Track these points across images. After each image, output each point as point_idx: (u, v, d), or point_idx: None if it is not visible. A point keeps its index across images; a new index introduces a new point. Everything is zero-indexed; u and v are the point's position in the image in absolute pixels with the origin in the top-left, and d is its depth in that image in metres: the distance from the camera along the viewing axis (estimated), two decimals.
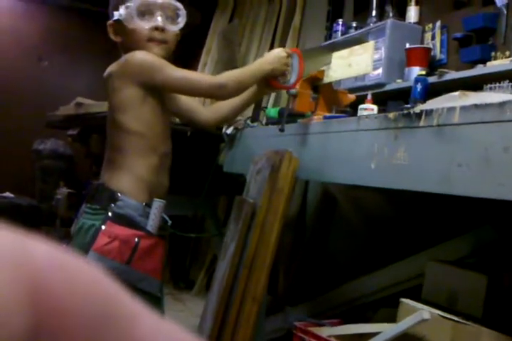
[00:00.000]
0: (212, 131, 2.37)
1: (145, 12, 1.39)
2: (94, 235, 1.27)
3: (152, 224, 1.34)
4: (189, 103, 1.64)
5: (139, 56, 1.35)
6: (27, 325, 0.14)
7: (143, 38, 1.39)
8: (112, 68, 1.40)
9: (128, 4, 1.37)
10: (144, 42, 1.39)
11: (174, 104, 1.56)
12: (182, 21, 1.46)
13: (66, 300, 0.15)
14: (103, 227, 1.27)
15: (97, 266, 0.18)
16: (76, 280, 0.16)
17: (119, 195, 1.32)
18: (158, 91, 1.40)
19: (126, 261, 1.26)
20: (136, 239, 1.28)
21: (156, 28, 1.39)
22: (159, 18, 1.39)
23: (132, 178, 1.35)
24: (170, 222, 1.40)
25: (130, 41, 1.41)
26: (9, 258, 0.15)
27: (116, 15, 1.39)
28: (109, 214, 1.29)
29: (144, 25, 1.39)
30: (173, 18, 1.44)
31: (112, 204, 1.30)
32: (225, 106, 1.66)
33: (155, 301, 1.35)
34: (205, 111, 1.69)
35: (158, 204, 1.36)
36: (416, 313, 1.11)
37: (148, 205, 1.36)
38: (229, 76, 1.44)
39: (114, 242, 1.25)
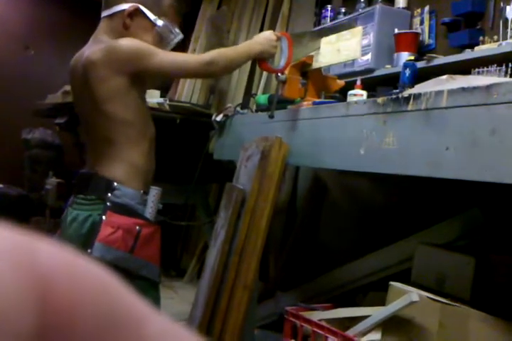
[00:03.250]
0: (202, 119, 2.36)
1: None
2: (94, 226, 1.27)
3: (151, 211, 1.35)
4: None
5: (127, 44, 1.33)
6: (35, 325, 0.14)
7: (153, 38, 1.44)
8: (94, 55, 1.33)
9: (169, 24, 1.45)
10: (149, 38, 1.43)
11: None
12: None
13: (74, 300, 0.15)
14: (104, 218, 1.27)
15: (103, 265, 0.18)
16: (84, 280, 0.16)
17: (115, 184, 1.31)
18: (143, 78, 1.39)
19: (130, 249, 1.27)
20: (138, 228, 1.29)
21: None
22: (179, 31, 1.51)
23: (127, 166, 1.35)
24: (161, 207, 1.41)
25: (138, 32, 1.42)
26: (16, 258, 0.15)
27: (151, 16, 1.42)
28: (108, 204, 1.28)
29: (175, 40, 1.49)
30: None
31: (109, 194, 1.30)
32: None
33: (155, 286, 1.37)
34: None
35: (155, 191, 1.37)
36: (405, 296, 1.13)
37: (145, 193, 1.36)
38: (217, 53, 1.44)
39: (117, 232, 1.26)
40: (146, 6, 1.42)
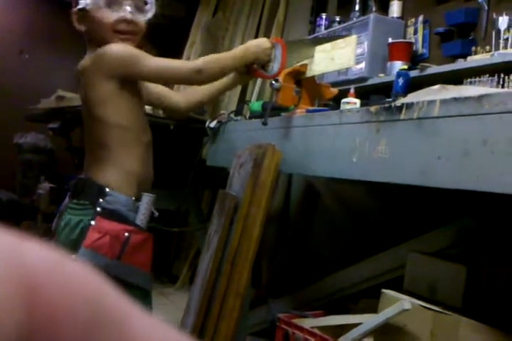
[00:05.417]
0: (195, 125, 2.36)
1: (112, 1, 1.34)
2: (84, 231, 1.26)
3: (142, 218, 1.34)
4: (158, 89, 1.62)
5: (116, 49, 1.32)
6: (20, 327, 0.15)
7: (108, 29, 1.34)
8: (86, 62, 1.36)
9: None
10: (109, 33, 1.34)
11: (145, 92, 1.54)
12: (151, 10, 1.41)
13: (60, 300, 0.16)
14: (92, 223, 1.26)
15: (89, 266, 0.18)
16: (69, 281, 0.16)
17: (107, 189, 1.31)
18: (133, 83, 1.39)
19: (117, 256, 1.25)
20: (127, 234, 1.27)
21: (124, 20, 1.35)
22: (128, 8, 1.35)
23: (120, 172, 1.34)
24: (156, 214, 1.40)
25: (95, 31, 1.36)
26: (2, 259, 0.15)
27: (81, 3, 1.33)
28: (98, 209, 1.28)
29: (111, 16, 1.33)
30: (141, 7, 1.39)
31: (101, 200, 1.29)
32: (198, 91, 1.63)
33: (145, 294, 1.35)
34: (177, 96, 1.66)
35: (147, 198, 1.35)
36: (397, 303, 1.13)
37: (137, 199, 1.36)
38: (207, 60, 1.40)
39: (104, 237, 1.25)
40: (79, 3, 1.34)
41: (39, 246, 0.17)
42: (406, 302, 1.11)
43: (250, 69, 1.54)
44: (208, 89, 1.61)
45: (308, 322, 1.46)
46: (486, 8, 2.01)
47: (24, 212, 3.95)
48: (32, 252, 0.16)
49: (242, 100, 2.14)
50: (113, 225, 1.27)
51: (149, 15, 1.41)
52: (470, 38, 2.07)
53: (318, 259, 2.30)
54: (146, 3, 1.40)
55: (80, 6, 1.35)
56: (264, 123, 1.57)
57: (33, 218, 3.95)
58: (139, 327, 0.18)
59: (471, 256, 1.47)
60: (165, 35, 4.06)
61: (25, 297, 0.15)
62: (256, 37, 3.31)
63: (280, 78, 1.62)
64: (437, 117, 0.98)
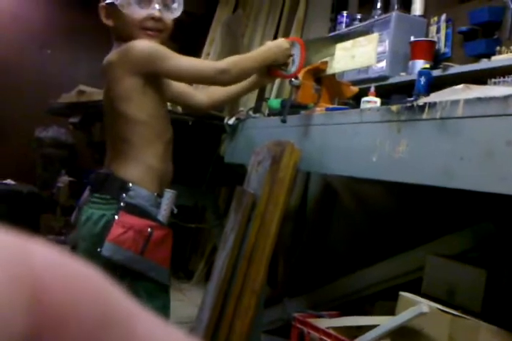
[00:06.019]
0: (214, 122, 2.36)
1: None
2: (107, 225, 1.27)
3: (164, 214, 1.35)
4: (181, 87, 1.62)
5: (142, 45, 1.33)
6: (27, 327, 0.15)
7: (136, 25, 1.35)
8: (112, 57, 1.37)
9: None
10: (137, 29, 1.35)
11: (168, 89, 1.54)
12: (179, 9, 1.42)
13: (66, 300, 0.16)
14: (116, 217, 1.27)
15: (95, 268, 0.18)
16: (76, 281, 0.16)
17: (130, 184, 1.32)
18: (157, 79, 1.39)
19: (140, 251, 1.27)
20: (149, 230, 1.28)
21: (152, 18, 1.36)
22: (156, 6, 1.36)
23: (142, 168, 1.35)
24: (176, 211, 1.40)
25: (122, 26, 1.37)
26: (9, 260, 0.15)
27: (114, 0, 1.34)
28: (122, 204, 1.29)
29: (141, 13, 1.34)
30: (169, 5, 1.40)
31: (124, 195, 1.30)
32: (220, 91, 1.64)
33: (164, 289, 1.36)
34: (199, 94, 1.67)
35: (169, 194, 1.37)
36: (415, 306, 1.12)
37: (159, 195, 1.36)
38: (232, 61, 1.41)
39: (128, 232, 1.26)
40: None
41: (46, 247, 0.17)
42: (424, 305, 1.10)
43: (270, 70, 1.54)
44: (231, 89, 1.62)
45: (324, 322, 1.45)
46: (511, 6, 1.97)
47: (44, 204, 4.00)
48: (38, 253, 0.16)
49: (261, 97, 2.14)
50: (136, 220, 1.28)
51: (177, 13, 1.42)
52: (494, 37, 2.03)
53: (335, 259, 2.28)
54: (174, 2, 1.41)
55: (108, 1, 1.36)
56: (283, 121, 1.56)
57: (52, 211, 4.00)
58: (145, 327, 0.18)
59: (491, 260, 1.45)
60: (185, 32, 4.06)
61: (31, 297, 0.15)
62: (276, 34, 3.30)
63: (300, 75, 1.61)
64: (461, 117, 0.97)
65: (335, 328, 1.41)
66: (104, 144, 1.46)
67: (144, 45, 1.33)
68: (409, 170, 1.09)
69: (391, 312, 1.22)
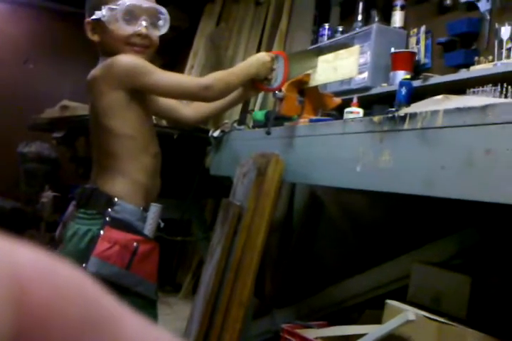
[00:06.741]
0: (199, 134, 2.37)
1: (129, 15, 1.36)
2: (93, 240, 1.27)
3: (149, 228, 1.34)
4: (169, 101, 1.63)
5: (125, 59, 1.34)
6: (11, 327, 0.15)
7: (122, 41, 1.36)
8: (96, 71, 1.37)
9: (113, 7, 1.35)
10: (123, 45, 1.36)
11: (154, 104, 1.55)
12: (165, 26, 1.43)
13: (51, 303, 0.16)
14: (101, 232, 1.26)
15: (81, 271, 0.18)
16: (61, 284, 0.16)
17: (115, 199, 1.31)
18: (142, 94, 1.40)
19: (126, 265, 1.26)
20: (135, 244, 1.28)
21: (139, 34, 1.37)
22: (143, 23, 1.37)
23: (128, 182, 1.35)
24: (162, 225, 1.40)
25: (108, 42, 1.38)
26: None
27: (98, 14, 1.35)
28: (107, 218, 1.28)
29: (127, 30, 1.36)
30: (156, 22, 1.42)
31: (109, 209, 1.30)
32: (206, 105, 1.65)
33: (151, 304, 1.35)
34: (186, 108, 1.68)
35: (155, 208, 1.36)
36: (401, 314, 1.12)
37: (145, 209, 1.36)
38: (215, 77, 1.42)
39: (114, 247, 1.25)
40: (94, 9, 1.36)
41: (31, 249, 0.17)
42: (410, 313, 1.11)
43: (254, 83, 1.56)
44: (217, 103, 1.63)
45: (312, 333, 1.45)
46: (488, 18, 2.02)
47: (27, 220, 3.95)
48: (24, 254, 0.16)
49: (245, 109, 2.15)
50: (122, 235, 1.27)
51: (163, 30, 1.44)
52: (472, 47, 2.07)
53: (322, 269, 2.29)
54: (160, 19, 1.42)
55: (94, 17, 1.36)
56: (268, 133, 1.57)
57: (36, 227, 3.96)
58: (132, 329, 0.18)
59: (475, 266, 1.47)
60: (169, 46, 4.08)
61: (16, 298, 0.15)
62: (259, 47, 3.33)
63: (283, 88, 1.63)
64: (441, 127, 0.99)
65: (323, 338, 1.41)
66: (89, 159, 1.46)
67: (127, 59, 1.34)
68: (393, 179, 1.10)
69: (378, 320, 1.23)
